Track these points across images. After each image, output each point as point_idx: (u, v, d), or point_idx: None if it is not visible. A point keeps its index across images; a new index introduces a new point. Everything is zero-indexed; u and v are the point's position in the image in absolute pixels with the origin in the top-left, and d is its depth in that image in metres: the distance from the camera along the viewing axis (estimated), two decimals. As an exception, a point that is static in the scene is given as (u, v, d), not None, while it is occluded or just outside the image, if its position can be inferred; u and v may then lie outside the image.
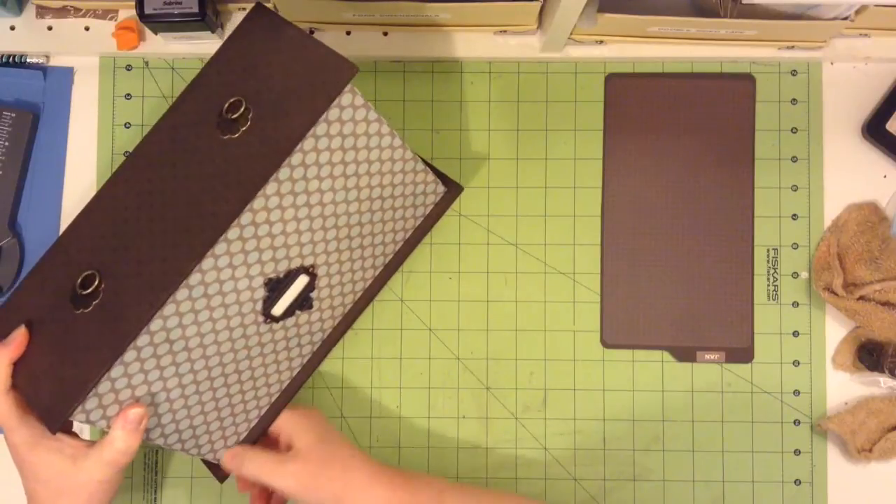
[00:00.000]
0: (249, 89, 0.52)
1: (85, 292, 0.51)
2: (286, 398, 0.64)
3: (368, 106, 0.53)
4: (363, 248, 0.62)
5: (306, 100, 0.51)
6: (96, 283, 0.51)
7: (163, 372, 0.53)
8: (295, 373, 0.64)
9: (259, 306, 0.56)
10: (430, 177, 0.63)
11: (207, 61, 0.55)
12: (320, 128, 0.51)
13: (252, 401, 0.62)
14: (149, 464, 0.69)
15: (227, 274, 0.53)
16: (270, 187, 0.51)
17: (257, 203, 0.51)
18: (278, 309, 0.58)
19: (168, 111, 0.55)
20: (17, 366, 0.52)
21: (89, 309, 0.51)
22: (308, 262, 0.58)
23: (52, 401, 0.50)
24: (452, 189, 0.67)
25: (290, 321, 0.60)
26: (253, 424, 0.64)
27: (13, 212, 0.69)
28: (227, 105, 0.52)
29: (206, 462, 0.65)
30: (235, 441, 0.63)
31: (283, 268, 0.56)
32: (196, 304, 0.52)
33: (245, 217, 0.51)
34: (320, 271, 0.59)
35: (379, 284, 0.66)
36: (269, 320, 0.58)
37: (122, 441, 0.52)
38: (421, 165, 0.61)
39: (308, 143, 0.51)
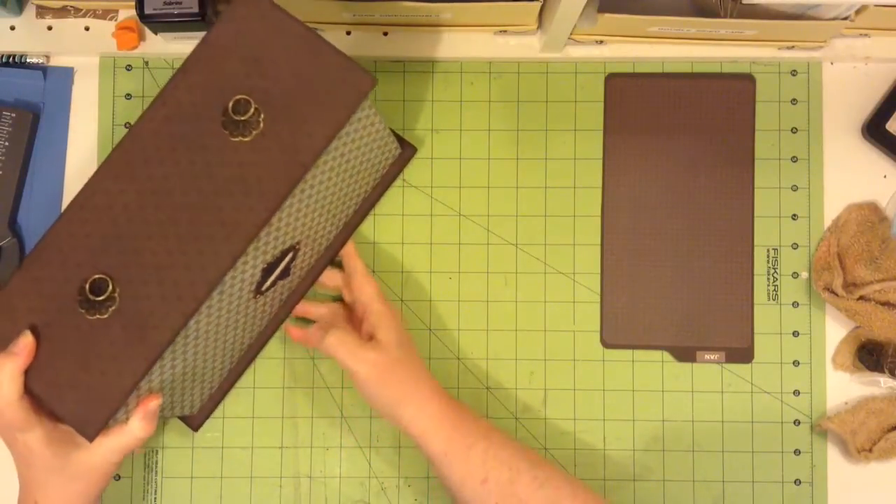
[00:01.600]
0: (255, 87, 0.51)
1: (98, 298, 0.51)
2: (254, 352, 0.67)
3: (372, 106, 0.54)
4: (334, 216, 0.63)
5: (325, 109, 0.51)
6: (110, 288, 0.51)
7: (174, 362, 0.55)
8: (264, 327, 0.67)
9: (253, 287, 0.58)
10: (394, 142, 0.65)
11: (198, 45, 0.52)
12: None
13: (228, 358, 0.65)
14: (149, 464, 0.69)
15: (240, 271, 0.54)
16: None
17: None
18: (266, 284, 0.59)
19: (157, 101, 0.52)
20: (28, 372, 0.52)
21: (106, 315, 0.51)
22: (296, 240, 0.59)
23: (81, 409, 0.50)
24: (407, 149, 0.69)
25: (271, 290, 0.61)
26: (225, 375, 0.67)
27: (13, 212, 0.69)
28: (232, 103, 0.51)
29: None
30: (209, 394, 0.66)
31: (278, 252, 0.57)
32: (211, 301, 0.53)
33: None
34: (302, 245, 0.61)
35: (340, 242, 0.67)
36: (256, 295, 0.59)
37: (142, 430, 0.54)
38: (391, 136, 0.63)
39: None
